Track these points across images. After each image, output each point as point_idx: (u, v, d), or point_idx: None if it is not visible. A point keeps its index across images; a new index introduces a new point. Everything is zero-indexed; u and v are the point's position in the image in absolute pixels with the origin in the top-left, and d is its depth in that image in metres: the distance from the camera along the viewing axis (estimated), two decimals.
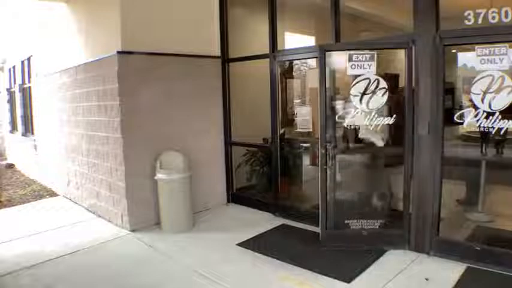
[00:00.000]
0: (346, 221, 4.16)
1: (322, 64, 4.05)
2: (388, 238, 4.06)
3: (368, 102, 3.96)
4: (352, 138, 4.68)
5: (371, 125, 3.98)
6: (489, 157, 4.58)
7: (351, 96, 4.02)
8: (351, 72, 3.99)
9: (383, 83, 3.93)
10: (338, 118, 4.14)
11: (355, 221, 4.14)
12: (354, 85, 4.00)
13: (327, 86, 4.06)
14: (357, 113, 4.02)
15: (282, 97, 5.51)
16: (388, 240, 4.04)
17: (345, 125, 4.12)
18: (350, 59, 3.96)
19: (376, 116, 3.95)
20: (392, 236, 4.05)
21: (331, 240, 4.15)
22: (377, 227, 4.13)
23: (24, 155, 9.55)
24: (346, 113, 4.12)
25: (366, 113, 3.98)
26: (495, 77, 3.28)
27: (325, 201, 4.16)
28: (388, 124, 4.00)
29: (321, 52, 4.06)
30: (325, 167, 4.11)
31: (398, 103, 4.22)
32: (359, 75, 3.97)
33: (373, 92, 3.95)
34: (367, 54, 3.92)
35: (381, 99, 3.94)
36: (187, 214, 4.85)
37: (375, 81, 3.94)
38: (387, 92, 3.94)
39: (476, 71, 3.38)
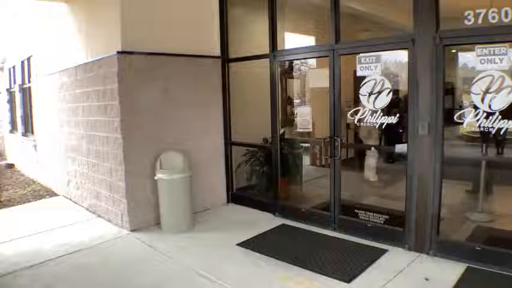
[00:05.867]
0: (356, 210, 4.46)
1: (337, 67, 4.36)
2: (389, 235, 4.10)
3: (374, 101, 4.12)
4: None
5: (377, 123, 4.16)
6: (489, 157, 4.59)
7: (360, 96, 4.20)
8: (360, 73, 4.20)
9: (387, 84, 4.05)
10: (350, 116, 4.42)
11: (363, 212, 4.38)
12: (362, 85, 4.19)
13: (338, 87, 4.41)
14: (365, 111, 4.21)
15: (282, 97, 5.51)
16: (389, 238, 4.09)
17: (356, 122, 4.38)
18: (359, 62, 4.19)
19: (381, 114, 4.12)
20: (393, 234, 4.07)
21: (341, 224, 4.52)
22: (382, 222, 4.22)
23: (24, 155, 9.55)
24: (356, 111, 4.33)
25: (372, 111, 4.16)
26: (495, 77, 3.28)
27: (339, 189, 4.54)
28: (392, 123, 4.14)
29: (335, 56, 4.35)
30: (336, 157, 4.49)
31: (401, 103, 4.39)
32: (366, 76, 4.15)
33: (379, 92, 4.08)
34: (373, 56, 4.08)
35: (385, 98, 4.06)
36: (187, 214, 4.85)
37: (380, 81, 4.08)
38: (391, 92, 4.05)
39: (476, 71, 3.38)
